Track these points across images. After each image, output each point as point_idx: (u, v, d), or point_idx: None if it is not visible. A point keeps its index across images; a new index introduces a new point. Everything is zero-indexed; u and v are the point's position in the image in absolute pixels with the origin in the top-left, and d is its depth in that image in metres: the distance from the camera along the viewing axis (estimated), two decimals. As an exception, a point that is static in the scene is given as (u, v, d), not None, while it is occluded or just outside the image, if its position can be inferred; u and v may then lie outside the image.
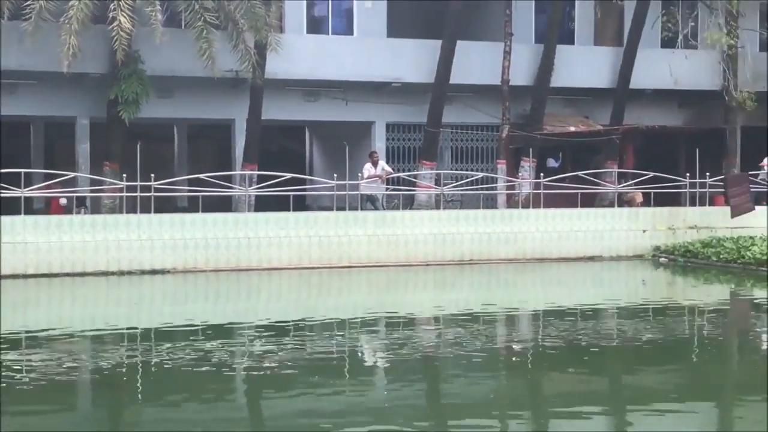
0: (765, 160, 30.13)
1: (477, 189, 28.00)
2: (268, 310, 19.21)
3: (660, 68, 30.60)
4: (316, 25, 29.23)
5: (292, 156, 35.53)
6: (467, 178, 28.30)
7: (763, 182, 29.37)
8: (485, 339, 15.54)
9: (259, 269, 23.49)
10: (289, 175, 25.28)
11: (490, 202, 28.88)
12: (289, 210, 24.37)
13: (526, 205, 26.97)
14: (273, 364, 13.14)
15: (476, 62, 28.97)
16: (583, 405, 11.15)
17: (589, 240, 26.52)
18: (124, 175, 24.22)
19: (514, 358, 14.21)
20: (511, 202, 28.13)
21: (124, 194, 24.09)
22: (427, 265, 24.78)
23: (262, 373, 12.73)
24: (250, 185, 25.88)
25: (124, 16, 23.63)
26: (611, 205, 28.53)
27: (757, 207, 27.67)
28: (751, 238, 25.61)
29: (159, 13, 24.44)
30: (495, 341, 15.68)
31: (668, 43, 31.66)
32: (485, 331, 16.43)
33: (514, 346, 15.15)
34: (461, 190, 28.29)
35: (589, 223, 26.60)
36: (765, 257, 23.19)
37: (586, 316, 17.84)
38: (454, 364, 13.54)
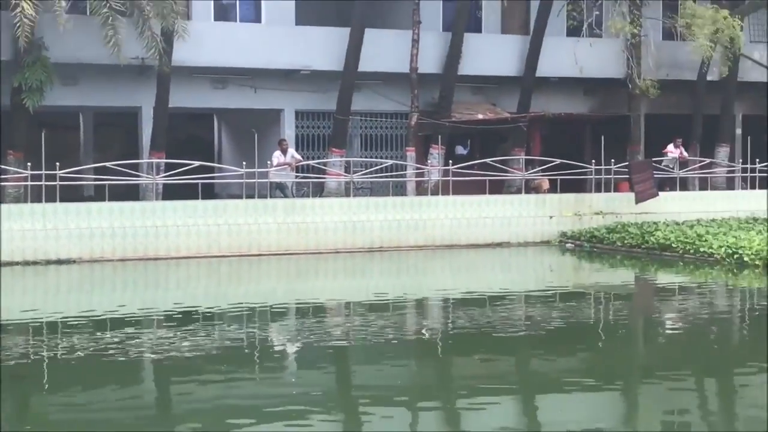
0: (668, 146, 30.74)
1: (386, 176, 28.12)
2: (175, 299, 19.02)
3: (565, 56, 30.89)
4: (223, 13, 29.01)
5: (200, 144, 35.31)
6: (377, 165, 28.41)
7: (666, 168, 29.98)
8: (394, 326, 15.63)
9: (167, 258, 23.31)
10: (197, 163, 25.16)
11: (400, 190, 28.99)
12: (197, 198, 24.21)
13: (435, 193, 27.13)
14: (178, 354, 13.06)
15: (385, 50, 28.99)
16: (491, 390, 11.31)
17: (497, 226, 26.81)
18: (29, 163, 23.81)
19: (422, 345, 14.30)
20: (421, 190, 28.28)
21: (29, 183, 23.72)
22: (337, 252, 24.82)
23: (167, 363, 12.66)
24: (157, 173, 25.64)
25: (28, 3, 23.18)
26: (518, 191, 28.89)
27: (660, 193, 28.27)
28: (654, 223, 26.14)
29: (63, 0, 24.05)
30: (404, 328, 15.75)
31: (573, 31, 32.12)
32: (395, 318, 16.53)
33: (422, 333, 15.26)
34: (371, 177, 28.39)
35: (497, 210, 26.89)
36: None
37: (494, 302, 18.01)
38: (362, 352, 13.61)
